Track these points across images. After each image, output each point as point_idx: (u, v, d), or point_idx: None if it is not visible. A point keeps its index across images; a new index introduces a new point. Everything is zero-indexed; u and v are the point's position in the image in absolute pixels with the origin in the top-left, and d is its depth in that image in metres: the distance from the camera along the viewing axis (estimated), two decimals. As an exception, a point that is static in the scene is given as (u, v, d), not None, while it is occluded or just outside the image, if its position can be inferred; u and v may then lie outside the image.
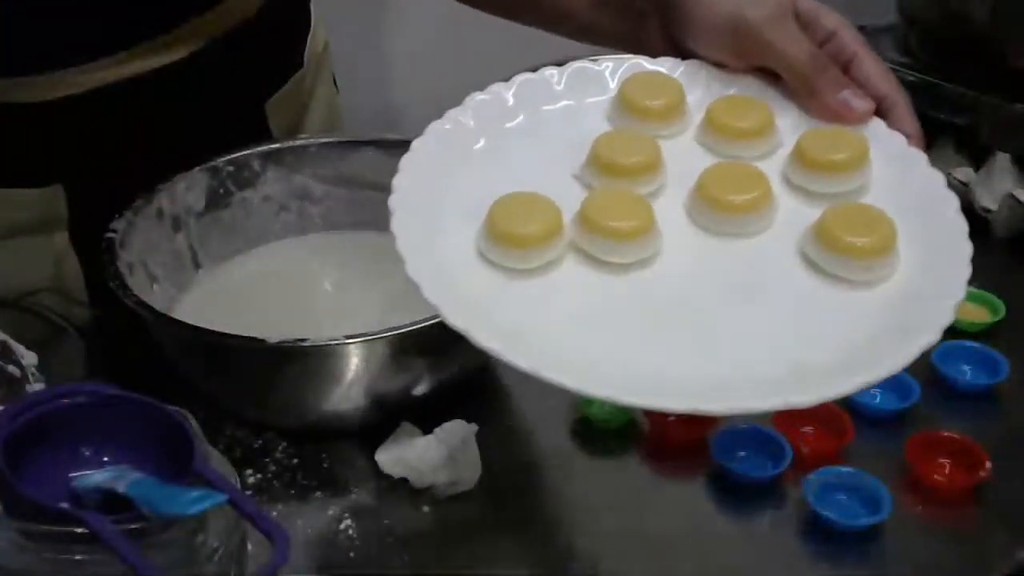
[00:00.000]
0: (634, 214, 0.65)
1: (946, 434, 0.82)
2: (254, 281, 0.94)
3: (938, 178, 0.68)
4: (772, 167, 0.70)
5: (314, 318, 0.89)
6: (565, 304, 0.64)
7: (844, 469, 0.80)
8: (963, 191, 1.11)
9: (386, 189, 0.96)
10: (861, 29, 1.29)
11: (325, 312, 0.92)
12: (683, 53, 0.76)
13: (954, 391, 0.89)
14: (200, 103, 0.95)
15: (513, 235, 0.64)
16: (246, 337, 0.77)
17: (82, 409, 0.68)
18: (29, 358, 0.82)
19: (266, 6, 0.96)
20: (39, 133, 0.89)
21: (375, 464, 0.80)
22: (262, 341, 0.77)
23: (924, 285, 0.63)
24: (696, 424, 0.83)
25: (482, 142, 0.72)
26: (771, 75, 0.74)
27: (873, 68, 0.73)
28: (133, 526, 0.62)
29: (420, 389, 0.82)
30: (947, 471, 0.81)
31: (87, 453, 0.68)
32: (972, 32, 1.17)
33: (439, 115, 0.73)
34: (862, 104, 0.71)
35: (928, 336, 0.60)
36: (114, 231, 0.86)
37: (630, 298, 0.65)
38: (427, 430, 0.81)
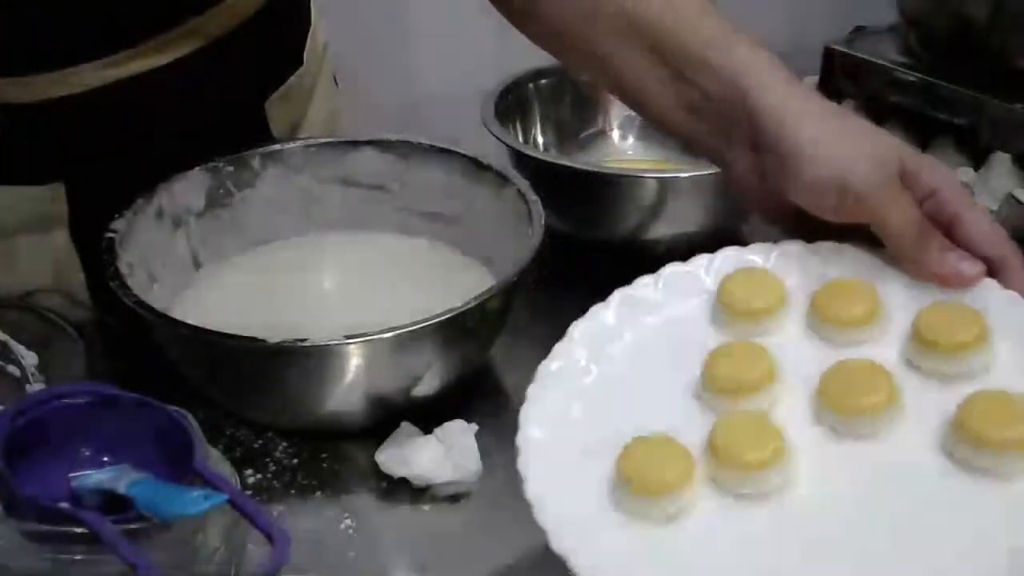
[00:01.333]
0: (767, 440, 0.63)
1: (946, 434, 0.82)
2: (254, 281, 0.94)
3: None
4: (888, 349, 0.68)
5: (314, 318, 0.89)
6: (709, 546, 0.62)
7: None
8: (963, 191, 1.11)
9: (386, 189, 0.97)
10: (860, 29, 1.30)
11: (325, 312, 0.92)
12: (774, 194, 0.73)
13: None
14: (200, 102, 0.95)
15: (650, 484, 0.62)
16: (246, 337, 0.77)
17: (82, 409, 0.68)
18: (29, 358, 0.82)
19: (266, 5, 0.96)
20: (39, 132, 0.89)
21: (375, 464, 0.80)
22: (262, 341, 0.77)
23: None
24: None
25: (593, 373, 0.70)
26: (866, 237, 0.72)
27: (982, 227, 0.70)
28: (133, 526, 0.62)
29: (420, 389, 0.82)
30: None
31: (87, 453, 0.68)
32: (972, 32, 1.16)
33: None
34: (972, 269, 0.69)
35: None
36: (114, 231, 0.86)
37: (770, 530, 0.62)
38: (427, 430, 0.81)
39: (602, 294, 0.88)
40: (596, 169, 1.04)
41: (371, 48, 1.59)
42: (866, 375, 0.66)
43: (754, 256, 0.74)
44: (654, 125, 0.84)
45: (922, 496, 0.62)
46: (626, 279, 0.79)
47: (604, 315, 0.72)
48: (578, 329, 0.71)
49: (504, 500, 0.79)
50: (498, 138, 1.04)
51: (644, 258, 0.83)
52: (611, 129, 1.19)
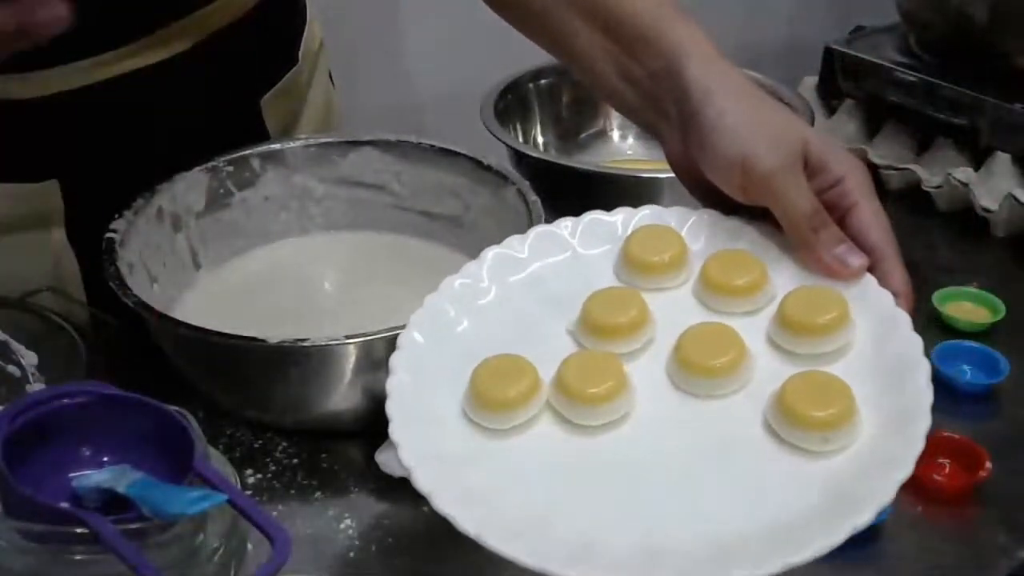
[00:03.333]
0: (606, 378, 0.67)
1: (946, 434, 0.82)
2: (254, 281, 0.94)
3: (916, 344, 0.68)
4: (760, 324, 0.72)
5: (314, 318, 0.89)
6: (533, 465, 0.66)
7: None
8: (963, 191, 1.11)
9: (386, 189, 0.97)
10: (860, 29, 1.30)
11: (325, 312, 0.92)
12: (694, 172, 0.76)
13: (954, 391, 0.89)
14: (195, 100, 0.95)
15: (490, 398, 0.67)
16: (246, 337, 0.77)
17: (82, 409, 0.68)
18: (29, 358, 0.82)
19: (261, 3, 0.96)
20: (34, 128, 0.89)
21: (375, 464, 0.80)
22: (262, 341, 0.77)
23: (874, 459, 0.64)
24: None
25: (491, 295, 0.74)
26: (776, 224, 0.74)
27: (870, 219, 0.73)
28: (133, 526, 0.62)
29: (420, 389, 0.82)
30: (947, 471, 0.81)
31: (87, 453, 0.68)
32: (972, 32, 1.17)
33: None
34: (856, 261, 0.72)
35: (865, 515, 0.61)
36: (114, 231, 0.86)
37: (595, 460, 0.66)
38: (427, 430, 0.81)
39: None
40: (596, 169, 1.04)
41: (371, 48, 1.59)
42: (719, 339, 0.69)
43: (671, 218, 0.77)
44: (595, 91, 0.85)
45: (732, 456, 0.66)
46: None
47: (518, 246, 0.76)
48: (491, 253, 0.76)
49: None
50: (498, 138, 1.04)
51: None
52: (611, 129, 1.19)
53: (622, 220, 0.77)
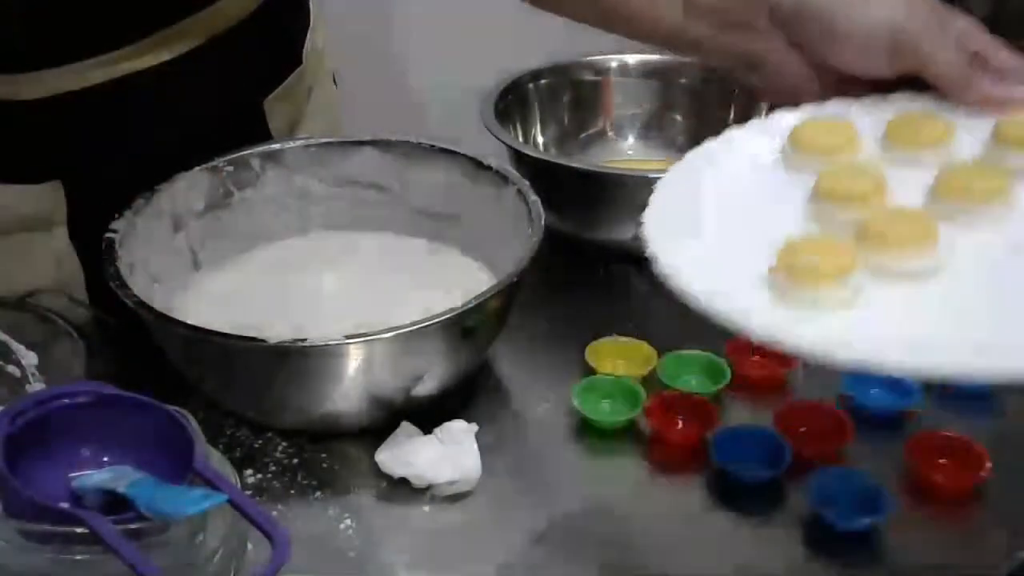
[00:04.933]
0: (919, 221, 0.66)
1: (946, 434, 0.82)
2: (254, 281, 0.94)
3: None
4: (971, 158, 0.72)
5: (314, 318, 0.89)
6: (875, 311, 0.63)
7: (844, 469, 0.80)
8: (963, 191, 1.11)
9: (386, 189, 0.97)
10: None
11: (325, 312, 0.92)
12: (819, 67, 0.77)
13: (954, 391, 0.89)
14: (198, 101, 0.95)
15: (816, 271, 0.63)
16: (246, 337, 0.77)
17: (82, 409, 0.68)
18: (29, 358, 0.82)
19: (264, 4, 0.96)
20: (36, 130, 0.89)
21: (375, 464, 0.80)
22: (262, 341, 0.77)
23: None
24: (695, 424, 0.83)
25: (715, 176, 0.73)
26: (912, 87, 0.75)
27: (1007, 56, 0.75)
28: (133, 526, 0.62)
29: (420, 389, 0.82)
30: (947, 471, 0.81)
31: (87, 453, 0.68)
32: (972, 32, 1.17)
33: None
34: (1022, 90, 0.73)
35: None
36: (114, 231, 0.86)
37: (938, 293, 0.64)
38: (427, 430, 0.81)
39: (601, 294, 0.89)
40: (596, 169, 1.04)
41: (371, 48, 1.60)
42: (975, 172, 0.69)
43: (807, 113, 0.76)
44: (658, 43, 0.86)
45: None
46: (625, 279, 0.79)
47: (715, 144, 0.76)
48: (703, 147, 0.75)
49: (504, 500, 0.80)
50: (498, 138, 1.04)
51: (644, 258, 0.83)
52: (611, 129, 1.19)
53: (774, 120, 0.77)
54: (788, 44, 0.77)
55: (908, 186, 0.70)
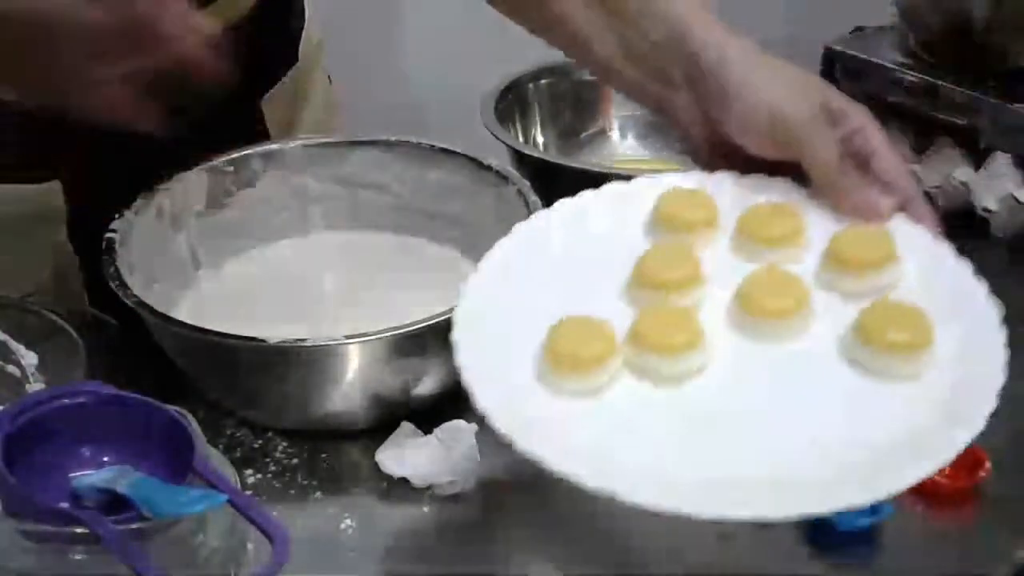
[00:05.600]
0: (683, 329, 0.68)
1: (946, 434, 0.82)
2: (254, 281, 0.94)
3: (966, 269, 0.70)
4: (806, 269, 0.73)
5: (314, 318, 0.89)
6: (626, 420, 0.66)
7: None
8: (963, 191, 1.11)
9: (386, 189, 0.97)
10: (860, 29, 1.30)
11: (325, 312, 0.92)
12: (712, 134, 0.78)
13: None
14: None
15: (573, 358, 0.67)
16: (246, 337, 0.77)
17: (82, 409, 0.68)
18: (29, 358, 0.82)
19: (260, 3, 0.96)
20: (35, 130, 0.89)
21: (375, 464, 0.80)
22: (262, 341, 0.77)
23: (965, 375, 0.65)
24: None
25: (529, 268, 0.74)
26: (797, 175, 0.76)
27: (892, 164, 0.75)
28: (133, 526, 0.62)
29: (420, 389, 0.82)
30: (947, 471, 0.81)
31: (87, 453, 0.68)
32: (972, 32, 1.17)
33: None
34: (886, 201, 0.73)
35: (975, 425, 0.62)
36: (114, 231, 0.86)
37: (686, 409, 0.67)
38: (427, 430, 0.81)
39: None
40: (596, 169, 1.04)
41: (371, 48, 1.59)
42: (780, 281, 0.71)
43: (692, 181, 0.78)
44: (596, 75, 0.87)
45: (817, 392, 0.67)
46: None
47: (547, 219, 0.76)
48: (522, 228, 0.75)
49: (504, 499, 0.80)
50: (498, 138, 1.04)
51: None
52: (611, 129, 1.19)
53: (645, 186, 0.78)
54: (695, 104, 0.78)
55: (730, 283, 0.71)
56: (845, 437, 0.64)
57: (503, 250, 0.74)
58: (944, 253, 0.72)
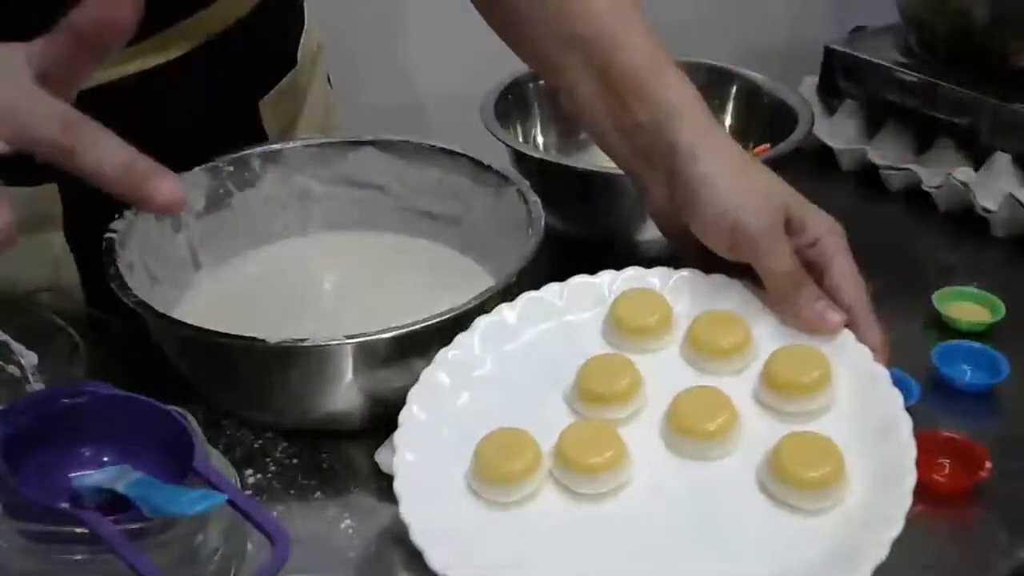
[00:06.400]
0: (605, 448, 0.70)
1: (946, 434, 0.82)
2: (254, 281, 0.94)
3: (896, 399, 0.71)
4: (746, 383, 0.75)
5: (314, 318, 0.89)
6: (542, 535, 0.69)
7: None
8: (963, 191, 1.11)
9: (386, 189, 0.97)
10: (860, 29, 1.30)
11: (325, 312, 0.92)
12: (682, 225, 0.80)
13: (954, 391, 0.89)
14: (194, 102, 0.95)
15: (495, 472, 0.70)
16: (246, 337, 0.77)
17: (82, 409, 0.68)
18: (29, 358, 0.82)
19: (259, 5, 0.96)
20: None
21: (375, 464, 0.80)
22: (262, 341, 0.77)
23: (866, 517, 0.67)
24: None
25: (487, 366, 0.77)
26: (757, 280, 0.78)
27: (846, 278, 0.77)
28: (133, 526, 0.62)
29: (420, 389, 0.82)
30: (947, 471, 0.81)
31: (87, 453, 0.68)
32: (972, 32, 1.17)
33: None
34: (834, 317, 0.75)
35: (861, 572, 0.64)
36: (114, 231, 0.86)
37: (602, 527, 0.69)
38: (427, 430, 0.81)
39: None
40: (596, 169, 1.04)
41: (371, 48, 1.59)
42: (712, 403, 0.72)
43: (654, 279, 0.80)
44: (588, 133, 0.89)
45: (731, 518, 0.69)
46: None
47: (508, 314, 0.79)
48: (482, 322, 0.78)
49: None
50: (498, 138, 1.04)
51: (642, 258, 0.84)
52: (611, 129, 1.19)
53: (608, 282, 0.80)
54: (669, 192, 0.81)
55: (668, 397, 0.73)
56: (745, 568, 0.66)
57: (459, 345, 0.76)
58: (879, 378, 0.72)
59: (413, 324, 0.78)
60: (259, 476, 0.81)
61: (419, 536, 0.67)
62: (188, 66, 0.92)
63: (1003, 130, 1.13)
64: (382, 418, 0.82)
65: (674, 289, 0.80)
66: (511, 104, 1.11)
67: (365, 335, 0.77)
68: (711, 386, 0.74)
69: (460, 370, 0.76)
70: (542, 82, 1.16)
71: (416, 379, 0.81)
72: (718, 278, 0.80)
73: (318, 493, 0.80)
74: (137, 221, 0.88)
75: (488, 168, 0.93)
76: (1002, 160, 1.12)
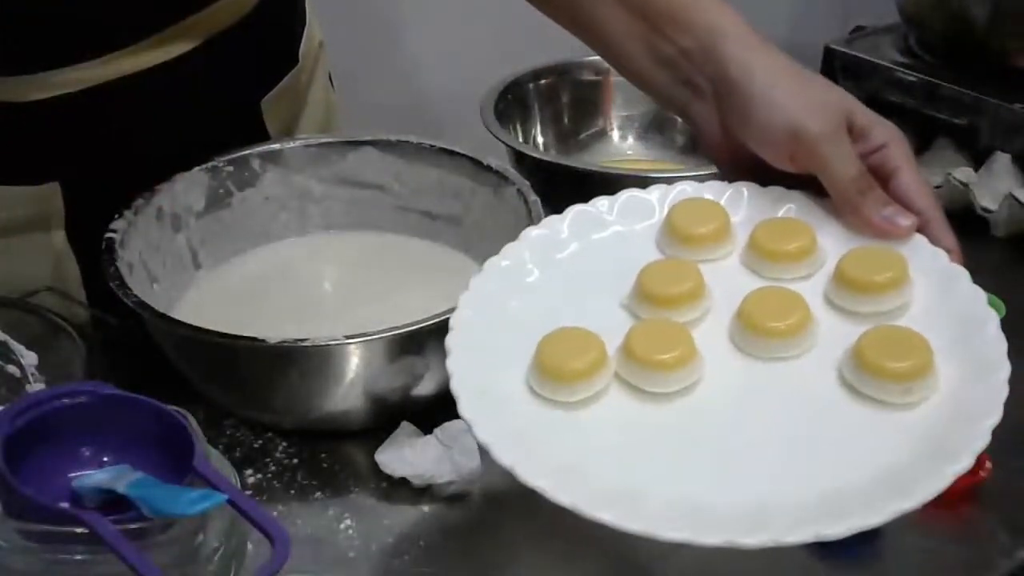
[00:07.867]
0: (675, 345, 0.67)
1: (946, 434, 0.82)
2: (254, 281, 0.94)
3: (980, 295, 0.69)
4: (815, 287, 0.72)
5: (314, 318, 0.89)
6: (609, 436, 0.66)
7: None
8: (963, 191, 1.11)
9: (386, 189, 0.97)
10: (860, 29, 1.30)
11: (325, 312, 0.92)
12: (734, 143, 0.78)
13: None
14: (195, 101, 0.95)
15: (559, 370, 0.66)
16: (246, 337, 0.77)
17: (82, 409, 0.68)
18: (29, 358, 0.82)
19: (260, 4, 0.96)
20: (34, 131, 0.89)
21: (375, 464, 0.80)
22: (262, 341, 0.77)
23: (961, 408, 0.64)
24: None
25: (536, 274, 0.74)
26: (816, 189, 0.75)
27: (914, 184, 0.75)
28: (133, 526, 0.62)
29: (420, 389, 0.82)
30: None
31: (87, 453, 0.68)
32: (972, 32, 1.17)
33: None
34: (905, 221, 0.73)
35: (963, 461, 0.61)
36: (114, 231, 0.86)
37: (672, 427, 0.66)
38: (427, 430, 0.81)
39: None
40: (596, 169, 1.04)
41: (371, 48, 1.59)
42: (783, 301, 0.70)
43: (708, 192, 0.77)
44: (625, 75, 0.87)
45: (811, 417, 0.66)
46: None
47: (558, 225, 0.76)
48: (532, 233, 0.75)
49: (504, 499, 0.80)
50: (498, 138, 1.04)
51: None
52: (611, 129, 1.19)
53: (658, 196, 0.77)
54: (719, 114, 0.79)
55: (734, 300, 0.71)
56: (832, 466, 0.63)
57: (508, 255, 0.74)
58: (959, 277, 0.70)
59: (413, 324, 0.78)
60: (259, 476, 0.81)
61: (483, 432, 0.64)
62: (189, 65, 0.92)
63: (1003, 130, 1.13)
64: (382, 418, 0.82)
65: (731, 200, 0.77)
66: (511, 104, 1.11)
67: (365, 335, 0.77)
68: (780, 287, 0.71)
69: (511, 278, 0.73)
70: (542, 82, 1.16)
71: (416, 379, 0.81)
72: (776, 189, 0.77)
73: (318, 493, 0.80)
74: (137, 221, 0.88)
75: (488, 168, 0.93)
76: (1002, 160, 1.12)
